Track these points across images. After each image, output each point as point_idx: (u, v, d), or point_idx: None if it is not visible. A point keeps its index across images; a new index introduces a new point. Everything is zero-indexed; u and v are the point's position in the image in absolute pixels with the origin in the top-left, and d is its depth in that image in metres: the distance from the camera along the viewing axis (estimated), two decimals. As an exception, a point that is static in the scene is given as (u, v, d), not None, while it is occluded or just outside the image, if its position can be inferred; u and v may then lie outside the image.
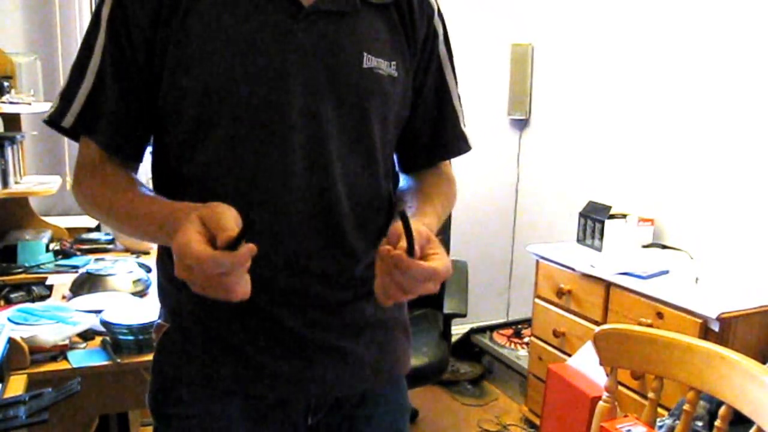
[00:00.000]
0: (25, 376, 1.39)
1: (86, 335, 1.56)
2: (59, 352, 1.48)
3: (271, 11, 0.81)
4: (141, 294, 1.86)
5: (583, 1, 2.93)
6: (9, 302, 1.81)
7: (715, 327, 1.88)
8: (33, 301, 1.82)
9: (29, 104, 2.14)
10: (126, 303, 1.71)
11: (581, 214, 2.65)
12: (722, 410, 1.15)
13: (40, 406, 1.14)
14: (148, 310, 1.56)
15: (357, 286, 0.90)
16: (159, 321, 0.94)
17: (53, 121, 0.85)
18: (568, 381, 2.17)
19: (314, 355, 0.88)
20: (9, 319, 1.55)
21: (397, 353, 0.98)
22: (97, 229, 2.57)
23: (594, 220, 2.56)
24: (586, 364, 2.17)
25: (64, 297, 1.83)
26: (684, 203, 2.47)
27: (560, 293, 2.48)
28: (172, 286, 0.90)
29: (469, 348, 3.25)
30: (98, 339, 1.55)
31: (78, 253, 2.25)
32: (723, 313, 1.87)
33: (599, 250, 2.52)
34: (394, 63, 0.88)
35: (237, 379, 0.88)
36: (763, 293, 2.04)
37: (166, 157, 0.88)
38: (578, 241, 2.66)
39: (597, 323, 2.26)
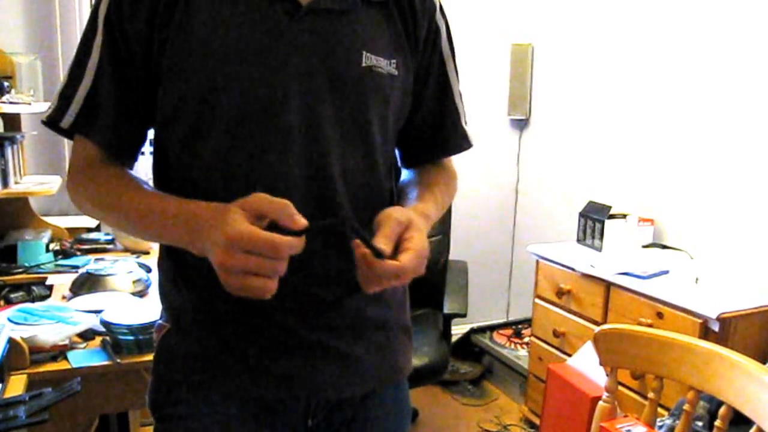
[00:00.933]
0: (25, 376, 1.39)
1: (86, 335, 1.56)
2: (59, 352, 1.48)
3: (268, 10, 0.81)
4: (141, 294, 1.86)
5: (583, 1, 2.93)
6: (9, 302, 1.81)
7: (715, 327, 1.88)
8: (33, 301, 1.82)
9: (29, 104, 2.14)
10: (126, 303, 1.71)
11: (581, 214, 2.65)
12: (722, 410, 1.15)
13: (40, 406, 1.14)
14: (148, 310, 1.56)
15: (358, 287, 0.90)
16: (160, 321, 0.94)
17: (52, 121, 0.85)
18: (568, 381, 2.17)
19: (314, 357, 0.88)
20: (9, 319, 1.55)
21: (398, 355, 0.98)
22: (97, 229, 2.57)
23: (594, 220, 2.56)
24: (586, 364, 2.17)
25: (64, 297, 1.83)
26: (684, 203, 2.48)
27: (560, 293, 2.48)
28: (173, 287, 0.90)
29: (469, 348, 3.25)
30: (98, 339, 1.55)
31: (78, 253, 2.25)
32: (723, 313, 1.87)
33: (599, 250, 2.52)
34: (394, 61, 0.87)
35: (237, 380, 0.87)
36: (763, 293, 2.04)
37: (166, 157, 0.88)
38: (578, 241, 2.66)
39: (597, 323, 2.26)
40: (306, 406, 0.91)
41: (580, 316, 2.40)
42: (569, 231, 2.82)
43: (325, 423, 0.93)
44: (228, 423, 0.89)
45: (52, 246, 2.25)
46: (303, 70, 0.81)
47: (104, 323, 1.51)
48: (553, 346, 2.56)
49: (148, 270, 2.02)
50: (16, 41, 2.49)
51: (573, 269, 2.40)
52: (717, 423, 1.16)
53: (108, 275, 1.87)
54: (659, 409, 1.41)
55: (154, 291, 1.90)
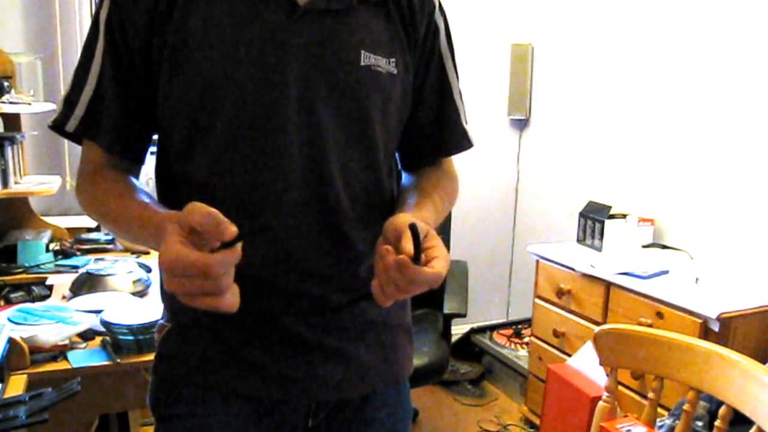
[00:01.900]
0: (25, 376, 1.39)
1: (86, 335, 1.56)
2: (59, 352, 1.48)
3: (266, 11, 0.80)
4: (141, 294, 1.86)
5: (583, 1, 2.93)
6: (9, 302, 1.81)
7: (715, 327, 1.88)
8: (33, 301, 1.82)
9: (29, 104, 2.14)
10: (126, 303, 1.71)
11: (581, 214, 2.65)
12: (722, 410, 1.15)
13: (40, 406, 1.14)
14: (148, 310, 1.56)
15: (359, 287, 0.90)
16: (161, 321, 0.94)
17: (58, 126, 0.86)
18: (568, 381, 2.17)
19: (315, 357, 0.88)
20: (9, 319, 1.55)
21: (399, 356, 0.98)
22: (97, 229, 2.57)
23: (594, 220, 2.56)
24: (586, 364, 2.17)
25: (64, 297, 1.83)
26: (684, 203, 2.48)
27: (560, 293, 2.48)
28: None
29: (469, 348, 3.25)
30: (98, 339, 1.55)
31: (78, 253, 2.25)
32: (723, 313, 1.86)
33: (599, 250, 2.52)
34: (393, 60, 0.87)
35: (237, 380, 0.87)
36: (763, 293, 2.04)
37: (167, 159, 0.88)
38: (578, 241, 2.66)
39: (597, 323, 2.26)
40: (307, 407, 0.91)
41: (580, 316, 2.40)
42: (569, 231, 2.82)
43: (326, 423, 0.93)
44: (229, 423, 0.89)
45: (52, 246, 2.25)
46: (301, 71, 0.81)
47: (104, 323, 1.51)
48: (553, 346, 2.56)
49: (148, 270, 2.02)
50: (16, 41, 2.50)
51: (573, 269, 2.40)
52: (717, 423, 1.16)
53: (108, 275, 1.87)
54: (659, 409, 1.41)
55: (154, 291, 1.90)
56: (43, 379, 1.37)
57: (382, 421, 0.97)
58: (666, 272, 2.22)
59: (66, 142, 2.58)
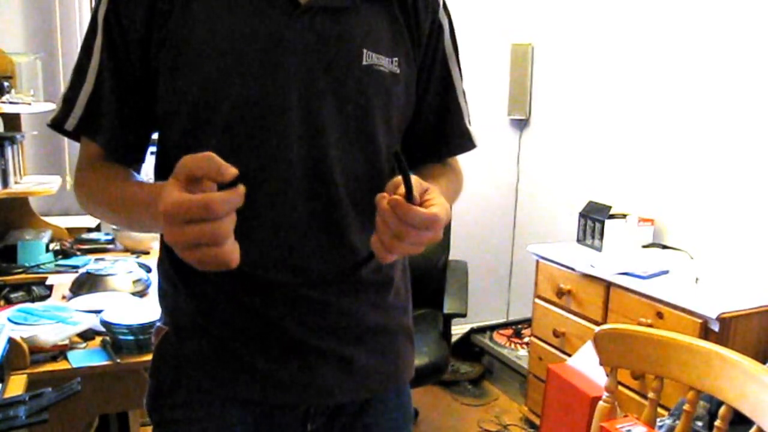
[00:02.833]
0: (25, 376, 1.38)
1: (86, 335, 1.56)
2: (59, 352, 1.48)
3: (267, 9, 0.80)
4: (141, 294, 1.86)
5: (583, 1, 2.93)
6: (9, 302, 1.81)
7: (715, 327, 1.88)
8: (33, 301, 1.82)
9: (29, 104, 2.14)
10: (126, 303, 1.71)
11: (581, 214, 2.65)
12: (722, 410, 1.15)
13: (40, 406, 1.14)
14: (148, 310, 1.55)
15: (360, 290, 0.89)
16: (159, 324, 0.93)
17: (57, 124, 0.85)
18: (568, 381, 2.17)
19: (314, 361, 0.87)
20: (9, 319, 1.55)
21: (400, 359, 0.96)
22: (97, 229, 2.57)
23: (594, 220, 2.56)
24: (586, 364, 2.17)
25: (64, 297, 1.83)
26: (684, 203, 2.47)
27: (560, 293, 2.48)
28: (172, 289, 0.90)
29: (469, 348, 3.25)
30: (98, 339, 1.55)
31: (78, 253, 2.25)
32: (723, 313, 1.87)
33: (599, 250, 2.52)
34: (396, 59, 0.86)
35: (235, 384, 0.87)
36: (763, 293, 2.04)
37: (167, 157, 0.87)
38: (578, 241, 2.66)
39: (597, 323, 2.26)
40: (305, 411, 0.90)
41: (580, 316, 2.40)
42: (569, 231, 2.82)
43: (324, 428, 0.92)
44: (226, 428, 0.88)
45: (52, 246, 2.24)
46: (302, 70, 0.80)
47: (104, 323, 1.51)
48: (553, 346, 2.55)
49: (148, 270, 2.02)
50: (16, 41, 2.50)
51: (573, 269, 2.40)
52: (717, 423, 1.16)
53: (108, 275, 1.87)
54: (659, 409, 1.41)
55: (154, 291, 1.90)
56: (43, 379, 1.37)
57: (382, 426, 0.95)
58: (666, 272, 2.22)
59: (66, 142, 2.59)
